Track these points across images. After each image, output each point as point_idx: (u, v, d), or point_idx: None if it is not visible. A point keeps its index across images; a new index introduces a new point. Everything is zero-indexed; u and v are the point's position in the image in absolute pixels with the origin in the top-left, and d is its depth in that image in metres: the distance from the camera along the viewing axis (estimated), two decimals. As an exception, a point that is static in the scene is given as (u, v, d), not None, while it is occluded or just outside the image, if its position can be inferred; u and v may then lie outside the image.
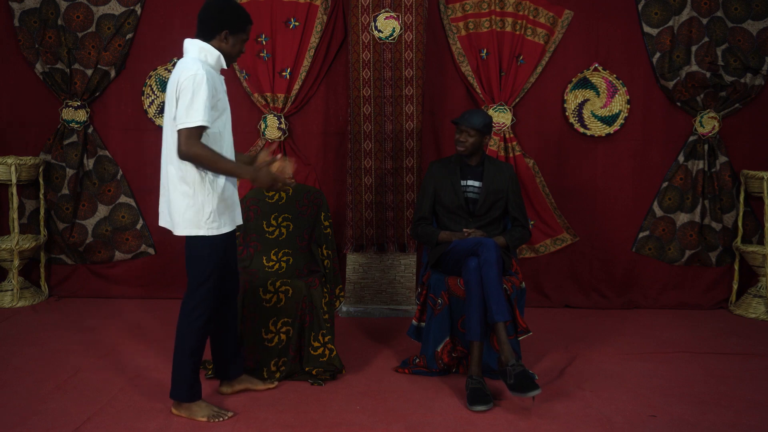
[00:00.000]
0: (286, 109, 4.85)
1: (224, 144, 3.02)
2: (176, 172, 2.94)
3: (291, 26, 4.79)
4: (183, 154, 2.84)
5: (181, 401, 3.10)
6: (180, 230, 3.00)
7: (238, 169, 2.96)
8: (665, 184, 4.95)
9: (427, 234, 3.84)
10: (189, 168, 2.92)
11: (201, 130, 2.85)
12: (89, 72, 4.86)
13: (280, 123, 4.83)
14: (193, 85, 2.80)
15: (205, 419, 3.07)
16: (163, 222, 3.12)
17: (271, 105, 4.84)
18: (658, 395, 3.42)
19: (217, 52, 2.95)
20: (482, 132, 3.77)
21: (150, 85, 4.91)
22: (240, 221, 3.16)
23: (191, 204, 2.94)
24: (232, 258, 3.24)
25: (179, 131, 2.84)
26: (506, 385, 3.26)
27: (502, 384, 3.46)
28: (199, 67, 2.84)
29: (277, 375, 3.54)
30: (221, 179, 2.97)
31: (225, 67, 3.02)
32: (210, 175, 2.93)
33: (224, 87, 3.05)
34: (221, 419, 3.08)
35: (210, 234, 2.96)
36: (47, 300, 4.93)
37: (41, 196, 4.90)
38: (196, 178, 2.92)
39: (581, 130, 4.92)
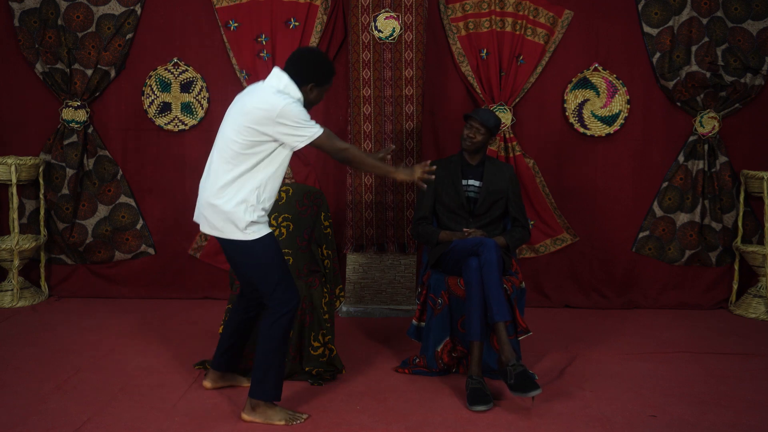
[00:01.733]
0: (286, 109, 4.84)
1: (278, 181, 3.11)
2: (227, 173, 3.00)
3: (291, 26, 4.79)
4: (342, 157, 3.10)
5: (267, 401, 3.08)
6: (225, 235, 3.02)
7: (389, 169, 3.22)
8: (665, 184, 4.95)
9: (428, 233, 3.84)
10: (247, 171, 2.99)
11: (328, 134, 3.03)
12: (89, 72, 4.86)
13: (280, 123, 4.83)
14: (288, 112, 2.95)
15: (282, 423, 3.06)
16: (203, 228, 3.12)
17: (271, 105, 4.83)
18: (658, 395, 3.42)
19: (299, 94, 3.09)
20: (491, 131, 3.81)
21: (150, 85, 4.91)
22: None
23: (234, 210, 2.97)
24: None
25: (315, 142, 3.01)
26: (507, 385, 3.26)
27: (502, 384, 3.46)
28: (286, 100, 2.98)
29: (277, 375, 3.54)
30: (271, 193, 3.06)
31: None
32: (263, 180, 3.01)
33: None
34: (299, 422, 3.09)
35: (253, 238, 3.00)
36: (47, 300, 4.93)
37: (41, 196, 4.90)
38: (249, 182, 3.00)
39: (581, 130, 4.92)
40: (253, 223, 2.98)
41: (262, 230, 3.03)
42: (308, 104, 3.15)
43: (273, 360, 3.06)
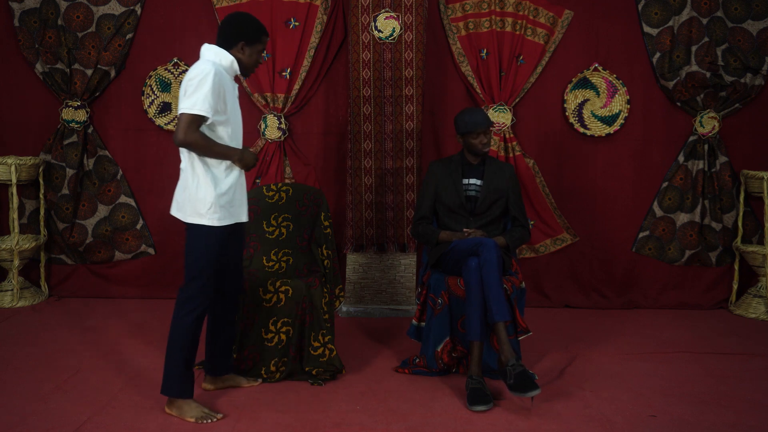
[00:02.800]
0: (286, 109, 4.85)
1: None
2: (187, 163, 3.07)
3: (291, 26, 4.79)
4: (179, 140, 2.95)
5: (170, 396, 3.10)
6: (184, 217, 3.08)
7: (228, 151, 3.07)
8: (665, 184, 4.95)
9: (428, 233, 3.84)
10: (198, 159, 3.03)
11: (200, 119, 2.95)
12: (89, 72, 4.86)
13: (280, 123, 4.83)
14: (200, 78, 2.93)
15: (192, 420, 3.06)
16: (172, 210, 3.18)
17: (271, 105, 4.84)
18: (658, 395, 3.42)
19: (230, 57, 3.10)
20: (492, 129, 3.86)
21: (150, 85, 4.91)
22: (245, 218, 3.22)
23: (194, 194, 3.04)
24: (236, 256, 3.30)
25: (179, 116, 2.96)
26: (506, 385, 3.26)
27: (502, 384, 3.46)
28: (208, 65, 2.97)
29: (277, 375, 3.54)
30: (227, 178, 3.08)
31: (239, 73, 3.16)
32: (213, 171, 3.05)
33: (236, 93, 3.17)
34: (210, 421, 3.07)
35: (210, 224, 3.02)
36: (47, 300, 4.93)
37: (41, 196, 4.91)
38: (201, 170, 3.03)
39: (581, 130, 4.92)
40: (213, 206, 3.02)
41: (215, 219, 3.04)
42: (245, 67, 3.16)
43: (174, 357, 3.06)
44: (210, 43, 3.13)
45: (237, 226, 3.21)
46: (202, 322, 3.11)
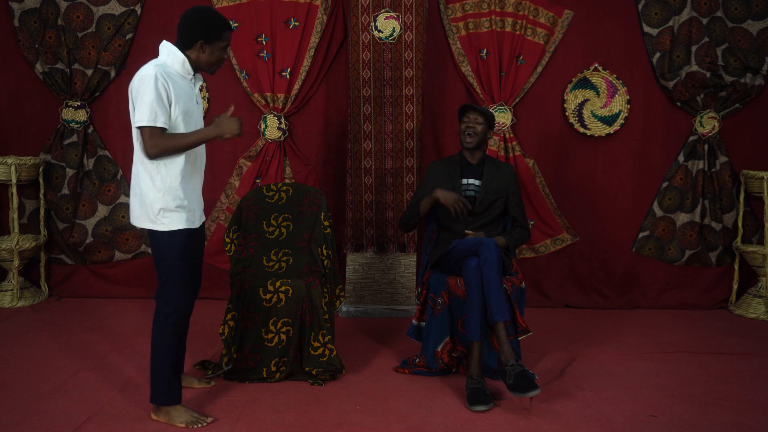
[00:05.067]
0: (286, 109, 4.85)
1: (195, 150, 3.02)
2: (136, 169, 2.99)
3: (291, 26, 4.79)
4: (152, 155, 2.87)
5: (160, 405, 3.04)
6: (137, 222, 3.01)
7: (202, 132, 2.95)
8: (665, 184, 4.95)
9: (410, 210, 3.86)
10: (140, 167, 2.94)
11: (158, 130, 2.85)
12: (89, 72, 4.86)
13: (280, 123, 4.83)
14: (140, 86, 2.85)
15: (183, 425, 3.01)
16: (131, 219, 3.09)
17: (271, 105, 4.84)
18: (658, 395, 3.42)
19: (181, 56, 2.96)
20: (489, 122, 3.81)
21: (150, 85, 4.91)
22: (198, 224, 3.09)
23: (144, 199, 2.96)
24: (197, 257, 3.19)
25: (140, 131, 2.87)
26: (505, 385, 3.26)
27: (502, 384, 3.46)
28: (150, 68, 2.87)
29: (277, 375, 3.54)
30: (174, 178, 2.94)
31: (193, 73, 3.01)
32: (162, 174, 2.93)
33: (193, 91, 3.03)
34: (200, 425, 3.03)
35: (163, 230, 2.95)
36: (47, 300, 4.93)
37: (41, 196, 4.91)
38: (147, 175, 2.94)
39: (581, 130, 4.92)
40: (162, 211, 2.94)
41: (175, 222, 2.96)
42: (207, 65, 3.01)
43: (159, 364, 3.01)
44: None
45: (196, 229, 3.09)
46: (184, 324, 3.06)
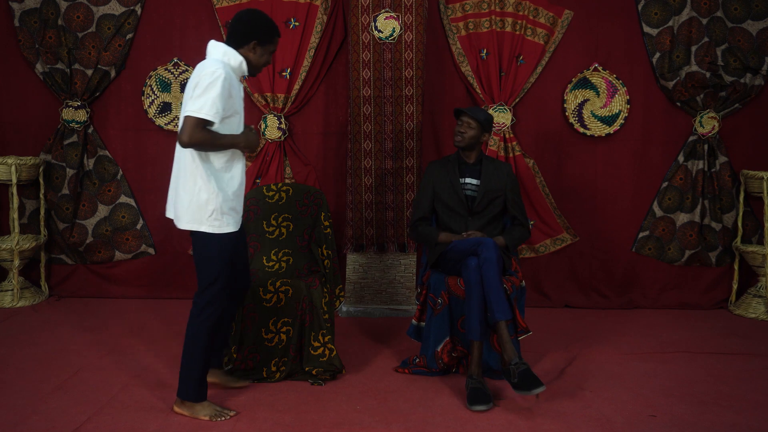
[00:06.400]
0: (286, 109, 4.85)
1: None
2: (189, 167, 3.00)
3: (291, 26, 4.79)
4: (184, 143, 2.88)
5: (188, 400, 3.09)
6: (182, 224, 3.03)
7: (234, 138, 3.01)
8: (665, 184, 4.95)
9: (427, 234, 3.83)
10: (199, 164, 2.97)
11: (207, 123, 2.88)
12: (89, 72, 4.86)
13: (280, 123, 4.83)
14: (210, 80, 2.87)
15: (207, 418, 3.07)
16: (168, 213, 3.15)
17: (271, 105, 4.84)
18: (658, 395, 3.42)
19: (240, 57, 3.03)
20: (483, 126, 3.78)
21: (150, 85, 4.91)
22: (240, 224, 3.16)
23: (196, 200, 2.98)
24: (243, 258, 3.28)
25: (185, 118, 2.88)
26: (510, 384, 3.26)
27: (502, 384, 3.46)
28: (219, 67, 2.91)
29: (277, 375, 3.54)
30: (233, 181, 3.03)
31: (246, 74, 3.09)
32: (218, 173, 2.99)
33: (242, 93, 3.11)
34: (224, 418, 3.08)
35: (213, 232, 2.99)
36: (47, 300, 4.93)
37: (41, 196, 4.91)
38: (204, 175, 2.97)
39: (581, 130, 4.92)
40: (215, 212, 2.98)
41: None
42: (254, 67, 3.09)
43: (192, 361, 3.06)
44: (217, 40, 3.06)
45: (240, 229, 3.17)
46: (218, 325, 3.11)
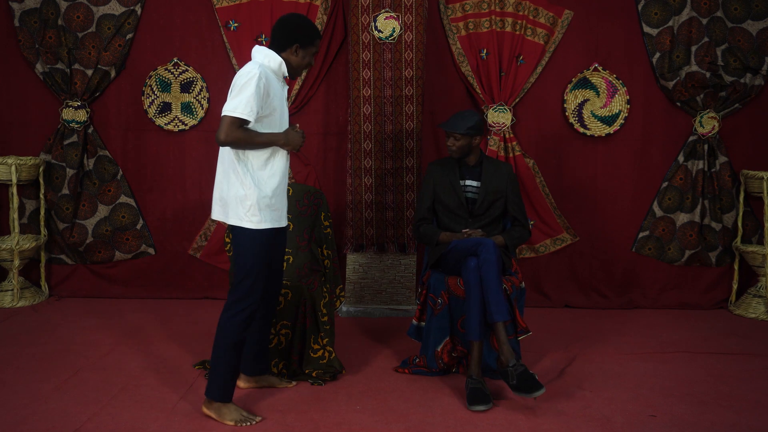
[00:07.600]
0: (286, 109, 4.85)
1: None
2: (228, 165, 3.06)
3: (291, 26, 4.79)
4: (221, 141, 2.94)
5: (213, 400, 3.07)
6: (230, 220, 3.07)
7: (272, 136, 3.05)
8: (665, 184, 4.95)
9: (428, 234, 3.84)
10: (237, 162, 3.02)
11: (242, 122, 2.94)
12: (89, 72, 4.86)
13: (280, 123, 4.83)
14: (245, 80, 2.94)
15: (232, 423, 3.03)
16: (214, 215, 3.17)
17: (271, 105, 4.84)
18: (658, 395, 3.42)
19: (279, 59, 3.10)
20: (469, 134, 3.75)
21: (150, 85, 4.91)
22: (285, 223, 3.19)
23: (236, 195, 3.03)
24: (278, 259, 3.29)
25: (222, 117, 2.95)
26: (509, 386, 3.26)
27: (502, 384, 3.46)
28: (255, 67, 2.99)
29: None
30: (272, 179, 3.06)
31: (287, 75, 3.16)
32: (255, 171, 3.03)
33: (283, 94, 3.17)
34: (249, 424, 3.05)
35: (250, 227, 3.01)
36: (47, 300, 4.93)
37: (41, 196, 4.91)
38: (240, 172, 3.02)
39: (581, 130, 4.92)
40: (252, 207, 3.01)
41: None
42: (295, 69, 3.17)
43: (221, 360, 3.05)
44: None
45: (280, 229, 3.18)
46: (250, 323, 3.09)
